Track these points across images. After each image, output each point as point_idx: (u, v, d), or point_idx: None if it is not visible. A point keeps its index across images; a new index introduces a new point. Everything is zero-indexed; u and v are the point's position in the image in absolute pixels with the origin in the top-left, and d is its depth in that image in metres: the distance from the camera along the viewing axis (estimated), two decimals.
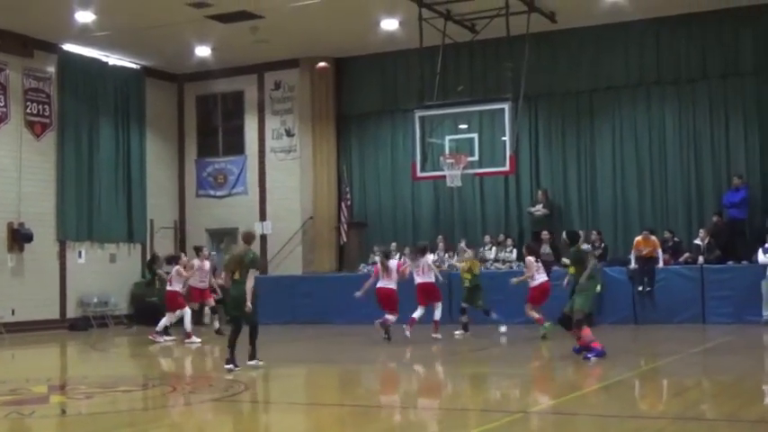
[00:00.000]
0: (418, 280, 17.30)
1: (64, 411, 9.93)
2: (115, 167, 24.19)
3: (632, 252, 19.86)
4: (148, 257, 24.10)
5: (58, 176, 22.81)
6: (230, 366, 12.79)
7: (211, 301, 19.57)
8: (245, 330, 13.02)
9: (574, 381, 11.87)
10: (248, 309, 12.74)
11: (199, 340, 17.86)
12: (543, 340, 16.28)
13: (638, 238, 19.90)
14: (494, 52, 21.71)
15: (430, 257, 17.97)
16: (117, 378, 12.82)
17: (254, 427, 9.25)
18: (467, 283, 17.90)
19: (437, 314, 17.36)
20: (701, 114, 21.47)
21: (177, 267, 18.40)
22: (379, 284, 17.02)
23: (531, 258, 17.12)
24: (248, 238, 13.50)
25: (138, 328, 22.97)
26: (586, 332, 13.30)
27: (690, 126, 21.55)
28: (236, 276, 13.03)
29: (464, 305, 17.88)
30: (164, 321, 18.41)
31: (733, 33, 20.90)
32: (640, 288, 19.43)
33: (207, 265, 19.48)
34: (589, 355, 13.08)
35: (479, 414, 9.51)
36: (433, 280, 17.39)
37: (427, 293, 17.31)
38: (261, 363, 13.23)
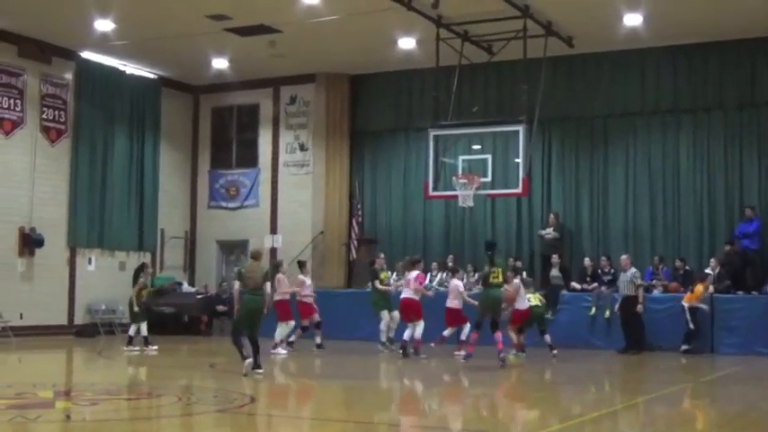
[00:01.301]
0: (404, 295, 17.45)
1: (68, 417, 9.92)
2: (128, 176, 24.26)
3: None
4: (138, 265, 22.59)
5: (71, 183, 22.89)
6: (249, 360, 13.59)
7: (316, 317, 18.63)
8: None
9: (576, 407, 11.81)
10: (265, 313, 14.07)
11: (284, 352, 17.55)
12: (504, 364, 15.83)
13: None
14: (510, 74, 21.73)
15: (459, 284, 17.97)
16: (123, 386, 12.82)
17: None
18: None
19: (418, 332, 17.30)
20: (716, 144, 21.43)
21: (279, 275, 18.05)
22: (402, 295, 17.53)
23: (517, 281, 17.27)
24: (257, 255, 14.44)
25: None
26: (473, 336, 16.01)
27: (704, 155, 21.51)
28: (252, 287, 13.85)
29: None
30: (280, 332, 17.95)
31: (750, 64, 20.89)
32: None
33: (309, 280, 18.98)
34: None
35: None
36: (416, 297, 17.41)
37: (408, 310, 17.41)
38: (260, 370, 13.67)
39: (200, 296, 24.48)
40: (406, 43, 21.38)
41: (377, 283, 18.68)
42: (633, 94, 21.96)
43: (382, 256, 20.11)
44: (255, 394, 11.98)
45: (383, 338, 18.18)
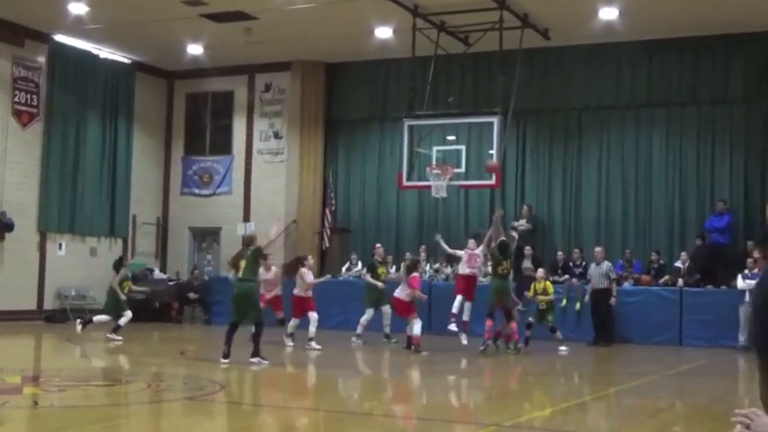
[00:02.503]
0: (395, 294, 17.14)
1: (36, 403, 9.87)
2: (101, 161, 24.09)
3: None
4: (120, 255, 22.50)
5: (43, 167, 22.70)
6: (226, 361, 13.36)
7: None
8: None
9: (548, 397, 11.89)
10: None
11: (318, 346, 16.77)
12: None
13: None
14: (486, 66, 21.77)
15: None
16: (91, 372, 12.75)
17: (220, 428, 9.21)
18: (543, 305, 17.67)
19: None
20: (689, 139, 21.58)
21: (303, 270, 17.29)
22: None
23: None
24: (250, 240, 14.16)
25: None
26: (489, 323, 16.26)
27: (677, 150, 21.66)
28: (240, 274, 13.68)
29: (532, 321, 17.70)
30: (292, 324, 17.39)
31: (724, 60, 21.02)
32: None
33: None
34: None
35: (448, 426, 9.50)
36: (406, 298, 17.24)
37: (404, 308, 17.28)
38: (265, 361, 13.55)
39: (171, 283, 24.40)
40: (383, 32, 21.36)
41: (368, 276, 18.39)
42: (608, 88, 22.05)
43: (379, 245, 19.58)
44: (225, 382, 11.96)
45: (359, 330, 17.95)
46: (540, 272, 18.37)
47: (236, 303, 13.79)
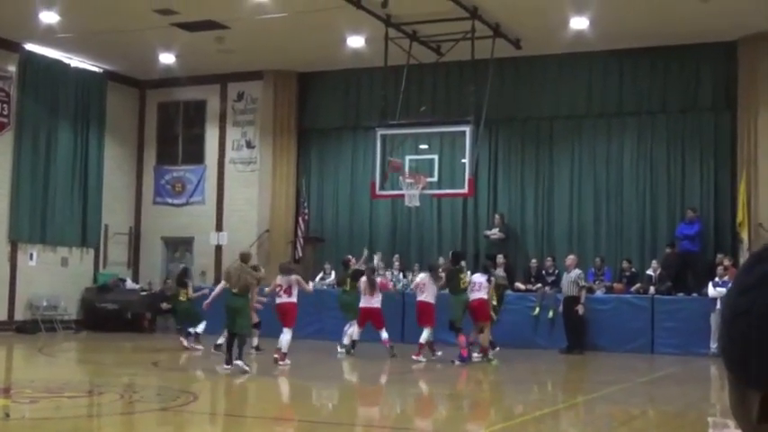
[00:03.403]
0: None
1: (7, 415, 9.78)
2: (72, 170, 23.94)
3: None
4: (180, 270, 20.76)
5: (13, 177, 22.52)
6: (228, 367, 13.90)
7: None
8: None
9: (518, 406, 11.93)
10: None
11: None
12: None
13: None
14: (458, 75, 21.87)
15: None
16: (63, 383, 12.66)
17: None
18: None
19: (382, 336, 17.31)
20: (659, 147, 21.76)
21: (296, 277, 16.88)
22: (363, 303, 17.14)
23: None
24: (245, 257, 14.92)
25: (87, 334, 22.76)
26: (461, 339, 16.12)
27: (647, 158, 21.83)
28: (235, 290, 14.21)
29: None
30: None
31: (694, 69, 21.22)
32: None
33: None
34: (456, 361, 15.82)
35: None
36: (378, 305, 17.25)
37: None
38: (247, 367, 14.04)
39: (144, 293, 24.25)
40: (355, 42, 21.39)
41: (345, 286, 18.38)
42: (579, 97, 22.21)
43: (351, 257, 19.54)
44: (198, 392, 11.92)
45: (345, 341, 17.77)
46: (501, 272, 18.20)
47: (229, 314, 14.23)
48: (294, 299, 15.85)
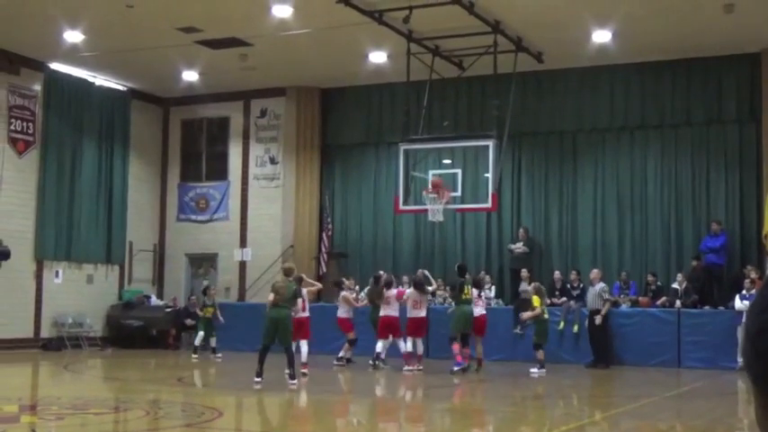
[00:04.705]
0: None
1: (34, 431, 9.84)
2: (97, 188, 24.10)
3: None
4: (204, 286, 22.56)
5: (39, 195, 22.70)
6: (259, 380, 14.21)
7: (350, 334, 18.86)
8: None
9: (544, 421, 11.85)
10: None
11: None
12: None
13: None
14: (480, 89, 21.87)
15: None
16: (89, 400, 12.71)
17: None
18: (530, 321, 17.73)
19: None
20: (683, 160, 21.65)
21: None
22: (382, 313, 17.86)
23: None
24: (288, 271, 15.54)
25: (112, 351, 22.85)
26: (455, 347, 16.81)
27: (671, 171, 21.72)
28: (281, 302, 14.56)
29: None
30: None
31: (717, 81, 21.12)
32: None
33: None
34: (454, 368, 16.51)
35: None
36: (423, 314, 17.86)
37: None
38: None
39: (168, 309, 24.34)
40: (377, 57, 21.45)
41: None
42: (602, 110, 22.14)
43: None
44: (223, 408, 11.92)
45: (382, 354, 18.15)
46: (526, 287, 18.15)
47: (271, 327, 14.41)
48: (307, 313, 16.62)
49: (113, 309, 24.25)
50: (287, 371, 14.20)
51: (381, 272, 19.44)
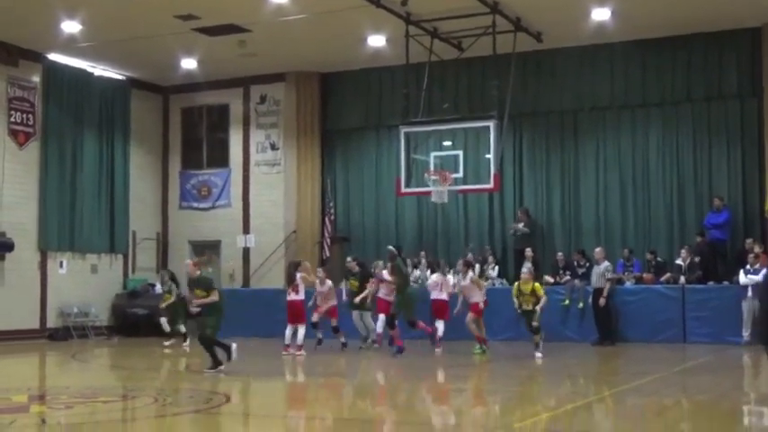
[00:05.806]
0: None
1: (44, 421, 9.88)
2: (98, 178, 24.11)
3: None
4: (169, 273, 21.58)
5: (41, 186, 22.72)
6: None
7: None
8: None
9: (550, 399, 11.89)
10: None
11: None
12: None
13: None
14: (480, 70, 21.83)
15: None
16: (97, 389, 12.76)
17: None
18: (527, 306, 16.60)
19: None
20: (685, 136, 21.62)
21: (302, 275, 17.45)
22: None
23: (471, 275, 17.99)
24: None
25: (118, 340, 22.92)
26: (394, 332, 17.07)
27: (673, 147, 21.70)
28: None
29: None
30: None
31: (717, 57, 21.07)
32: None
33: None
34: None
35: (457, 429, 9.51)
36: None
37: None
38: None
39: None
40: (376, 41, 21.41)
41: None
42: (602, 88, 22.10)
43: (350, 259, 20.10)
44: (230, 394, 11.97)
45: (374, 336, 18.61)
46: (526, 271, 17.33)
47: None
48: (302, 296, 17.26)
49: (118, 298, 24.31)
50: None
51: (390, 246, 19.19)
